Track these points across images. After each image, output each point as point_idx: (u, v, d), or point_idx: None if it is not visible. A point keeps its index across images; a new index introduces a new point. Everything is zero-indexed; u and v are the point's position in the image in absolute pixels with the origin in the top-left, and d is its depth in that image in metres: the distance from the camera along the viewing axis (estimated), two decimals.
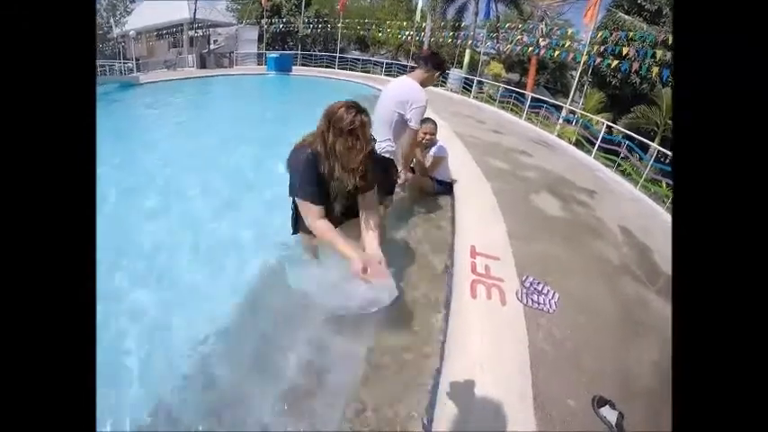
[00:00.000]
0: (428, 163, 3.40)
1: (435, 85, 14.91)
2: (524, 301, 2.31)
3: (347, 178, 1.57)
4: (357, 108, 1.50)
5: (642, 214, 5.16)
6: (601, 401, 1.91)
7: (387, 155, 2.63)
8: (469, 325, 2.05)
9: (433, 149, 3.40)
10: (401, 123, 2.60)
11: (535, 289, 2.42)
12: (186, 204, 3.49)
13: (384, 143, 2.61)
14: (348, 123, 1.45)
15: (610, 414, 1.87)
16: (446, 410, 1.53)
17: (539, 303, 2.33)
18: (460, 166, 4.13)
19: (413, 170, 3.36)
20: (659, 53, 9.85)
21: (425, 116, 2.84)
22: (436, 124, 3.51)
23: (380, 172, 2.48)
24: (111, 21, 21.58)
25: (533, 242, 3.06)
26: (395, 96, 2.58)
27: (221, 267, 2.66)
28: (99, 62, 15.38)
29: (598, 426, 1.80)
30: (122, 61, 17.61)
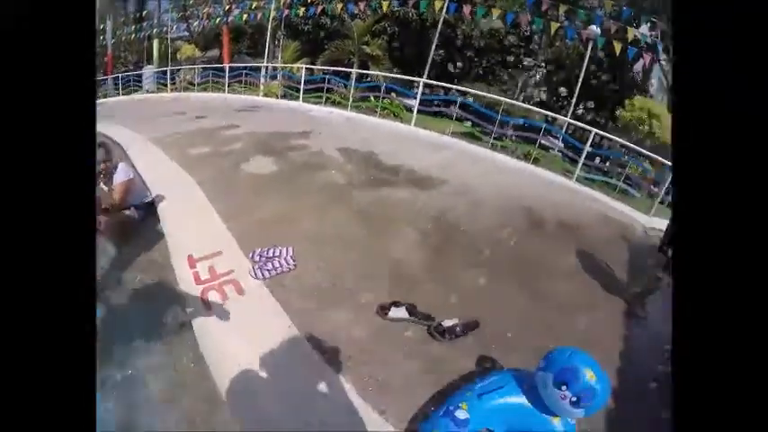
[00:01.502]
0: (116, 195, 2.68)
1: (128, 92, 12.65)
2: (259, 275, 2.17)
3: None
4: None
5: (359, 129, 5.78)
6: (384, 308, 1.99)
7: None
8: (219, 338, 1.83)
9: (115, 177, 2.68)
10: None
11: (266, 258, 2.31)
12: None
13: None
14: None
15: (399, 312, 1.98)
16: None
17: (275, 269, 2.23)
18: (159, 173, 3.52)
19: (106, 210, 2.61)
20: None
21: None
22: (106, 147, 2.79)
23: None
24: None
25: (253, 212, 2.92)
26: None
27: None
28: None
29: (400, 338, 1.91)
30: None
